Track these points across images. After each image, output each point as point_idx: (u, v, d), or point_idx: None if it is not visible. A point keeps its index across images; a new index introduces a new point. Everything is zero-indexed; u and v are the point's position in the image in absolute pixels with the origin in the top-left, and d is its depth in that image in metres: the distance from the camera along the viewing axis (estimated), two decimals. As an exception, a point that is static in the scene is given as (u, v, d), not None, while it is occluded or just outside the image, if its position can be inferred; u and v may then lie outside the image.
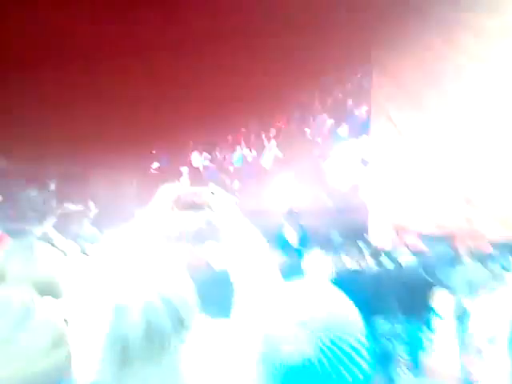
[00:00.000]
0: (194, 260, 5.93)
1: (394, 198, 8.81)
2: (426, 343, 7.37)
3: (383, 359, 6.46)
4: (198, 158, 17.99)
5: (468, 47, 8.32)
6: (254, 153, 16.82)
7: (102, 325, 1.16)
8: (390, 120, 8.93)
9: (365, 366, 0.94)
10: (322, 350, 0.90)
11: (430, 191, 8.53)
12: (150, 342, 1.12)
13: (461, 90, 8.26)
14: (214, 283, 4.08)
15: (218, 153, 17.92)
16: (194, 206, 1.66)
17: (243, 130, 17.06)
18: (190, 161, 17.59)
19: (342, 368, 0.90)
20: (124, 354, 1.12)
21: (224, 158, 17.76)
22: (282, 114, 15.78)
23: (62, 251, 4.48)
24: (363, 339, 0.95)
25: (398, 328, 7.03)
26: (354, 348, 0.92)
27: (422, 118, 8.58)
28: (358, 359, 0.92)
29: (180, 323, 1.18)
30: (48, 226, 11.03)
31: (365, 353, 0.95)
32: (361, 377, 0.92)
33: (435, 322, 7.31)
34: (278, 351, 0.91)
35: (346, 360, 0.91)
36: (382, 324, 6.19)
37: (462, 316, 6.08)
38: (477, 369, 5.31)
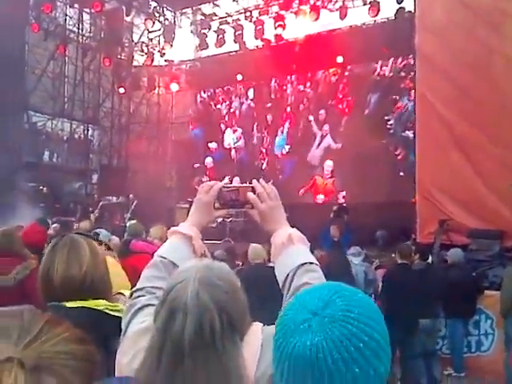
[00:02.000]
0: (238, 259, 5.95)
1: (442, 192, 8.59)
2: (470, 341, 7.22)
3: (425, 356, 6.37)
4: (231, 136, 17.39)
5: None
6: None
7: (155, 321, 1.17)
8: (436, 112, 8.69)
9: (380, 367, 0.88)
10: (334, 342, 0.87)
11: (479, 186, 8.27)
12: (201, 343, 1.11)
13: (509, 81, 7.97)
14: (260, 284, 4.09)
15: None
16: (236, 204, 1.61)
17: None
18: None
19: (352, 364, 0.86)
20: (175, 353, 1.11)
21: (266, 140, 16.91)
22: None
23: (106, 244, 4.55)
24: (382, 339, 0.90)
25: (443, 325, 6.91)
26: (369, 346, 0.88)
27: (471, 111, 8.31)
28: (372, 359, 0.88)
29: (232, 328, 1.16)
30: (91, 218, 11.33)
31: (383, 354, 0.90)
32: (374, 377, 0.88)
33: (481, 320, 7.15)
34: (290, 338, 0.90)
35: (358, 357, 0.87)
36: (425, 320, 6.08)
37: (509, 314, 5.89)
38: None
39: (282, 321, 0.95)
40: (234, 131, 17.11)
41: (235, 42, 14.70)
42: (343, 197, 14.49)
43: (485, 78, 8.17)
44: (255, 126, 16.73)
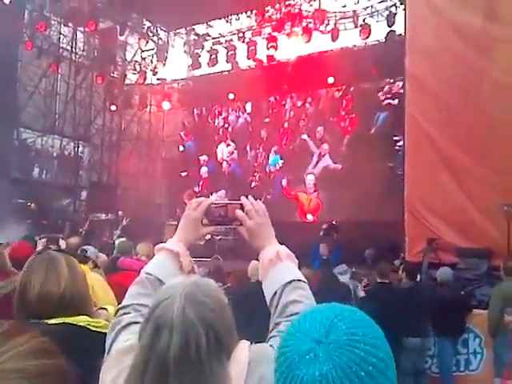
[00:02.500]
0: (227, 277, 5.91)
1: (430, 211, 8.66)
2: (459, 360, 7.20)
3: (415, 375, 6.34)
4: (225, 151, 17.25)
5: (504, 60, 8.18)
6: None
7: (140, 338, 1.16)
8: (424, 133, 8.80)
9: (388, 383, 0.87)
10: (344, 370, 0.84)
11: (467, 206, 8.35)
12: (187, 361, 1.09)
13: (498, 104, 8.10)
14: (246, 303, 4.08)
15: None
16: (225, 220, 1.61)
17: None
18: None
19: None
20: (160, 371, 1.10)
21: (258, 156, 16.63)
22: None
23: (93, 261, 4.53)
24: (388, 358, 0.89)
25: (432, 343, 6.89)
26: (377, 368, 0.87)
27: (460, 134, 8.43)
28: (382, 379, 0.86)
29: (219, 345, 1.15)
30: (79, 234, 11.25)
31: (390, 372, 0.88)
32: None
33: (469, 338, 7.14)
34: (296, 370, 0.86)
35: (369, 381, 0.84)
36: (415, 339, 6.06)
37: (497, 333, 5.90)
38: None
39: (284, 352, 0.91)
40: (228, 145, 17.00)
41: (228, 61, 14.84)
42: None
43: (473, 101, 8.29)
44: (250, 141, 16.56)
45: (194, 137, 17.65)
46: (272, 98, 15.99)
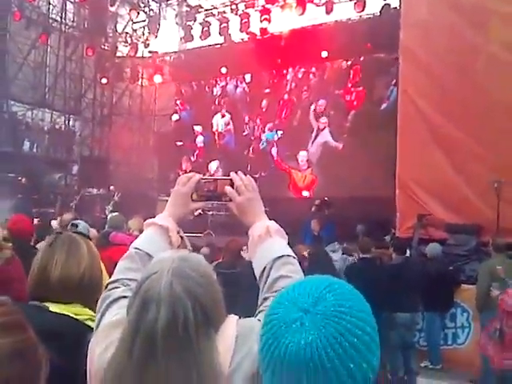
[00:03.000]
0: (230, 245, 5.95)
1: (421, 187, 8.69)
2: (447, 334, 7.34)
3: (403, 349, 6.46)
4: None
5: (499, 35, 8.11)
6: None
7: (128, 312, 1.17)
8: (417, 108, 8.77)
9: (372, 359, 0.88)
10: (329, 340, 0.85)
11: (458, 182, 8.38)
12: (175, 335, 1.10)
13: (493, 79, 8.06)
14: (237, 279, 4.11)
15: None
16: (214, 196, 1.60)
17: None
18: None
19: (347, 360, 0.84)
20: (147, 344, 1.11)
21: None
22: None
23: (85, 235, 4.51)
24: (373, 331, 0.90)
25: (419, 318, 7.00)
26: (362, 341, 0.87)
27: (453, 109, 8.40)
28: (366, 352, 0.87)
29: (206, 320, 1.15)
30: (70, 209, 11.22)
31: (374, 346, 0.89)
32: (368, 370, 0.87)
33: (457, 313, 7.26)
34: (282, 338, 0.87)
35: (353, 352, 0.85)
36: (404, 314, 6.15)
37: (484, 308, 6.00)
38: (499, 358, 5.23)
39: (271, 320, 0.92)
40: (223, 116, 16.38)
41: (220, 34, 14.62)
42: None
43: (468, 76, 8.25)
44: (248, 112, 15.78)
45: (190, 106, 17.09)
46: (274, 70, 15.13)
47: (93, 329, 1.56)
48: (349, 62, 13.94)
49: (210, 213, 12.99)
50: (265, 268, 1.44)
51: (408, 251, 7.00)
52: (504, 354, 5.01)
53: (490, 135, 7.95)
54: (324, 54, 13.59)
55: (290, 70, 15.06)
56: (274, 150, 15.24)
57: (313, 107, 14.58)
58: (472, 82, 8.17)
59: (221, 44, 15.15)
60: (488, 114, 7.93)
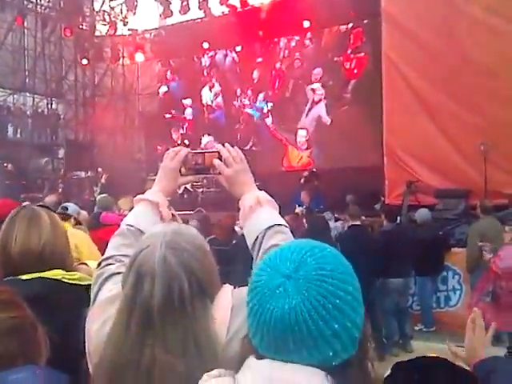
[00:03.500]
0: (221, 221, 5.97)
1: (409, 154, 8.72)
2: (439, 297, 7.47)
3: (397, 313, 6.58)
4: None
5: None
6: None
7: (123, 287, 1.18)
8: (401, 74, 8.74)
9: (356, 318, 0.90)
10: (312, 303, 0.87)
11: (445, 147, 8.43)
12: (171, 307, 1.12)
13: (475, 42, 8.04)
14: (231, 250, 4.14)
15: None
16: (203, 169, 1.60)
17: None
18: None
19: (331, 321, 0.87)
20: (144, 318, 1.12)
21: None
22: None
23: (75, 218, 4.50)
24: (355, 291, 0.92)
25: (412, 283, 7.12)
26: (345, 301, 0.89)
27: (436, 73, 8.38)
28: (350, 312, 0.89)
29: (201, 291, 1.17)
30: (58, 193, 11.14)
31: (357, 305, 0.91)
32: (353, 329, 0.90)
33: (449, 276, 7.38)
34: (267, 304, 0.90)
35: (336, 313, 0.88)
36: (397, 280, 6.24)
37: (475, 269, 6.10)
38: (492, 319, 5.33)
39: (255, 287, 0.94)
40: (212, 87, 15.68)
41: (200, 8, 14.35)
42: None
43: (451, 39, 8.23)
44: (238, 83, 14.98)
45: (179, 77, 16.38)
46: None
47: (66, 283, 1.57)
48: (350, 25, 12.65)
49: (200, 190, 12.97)
50: (257, 238, 1.45)
51: (398, 218, 7.07)
52: (501, 315, 5.10)
53: (475, 99, 7.97)
54: (306, 23, 13.35)
55: (283, 38, 14.09)
56: (268, 120, 14.47)
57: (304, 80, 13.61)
58: (455, 45, 8.15)
59: (201, 18, 14.89)
60: (471, 77, 7.93)
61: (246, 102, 14.99)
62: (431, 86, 8.46)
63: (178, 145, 15.32)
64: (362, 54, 12.40)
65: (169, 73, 16.62)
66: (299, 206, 8.56)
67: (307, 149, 13.70)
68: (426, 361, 1.07)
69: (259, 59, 14.65)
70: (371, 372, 0.95)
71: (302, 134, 13.79)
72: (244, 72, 14.95)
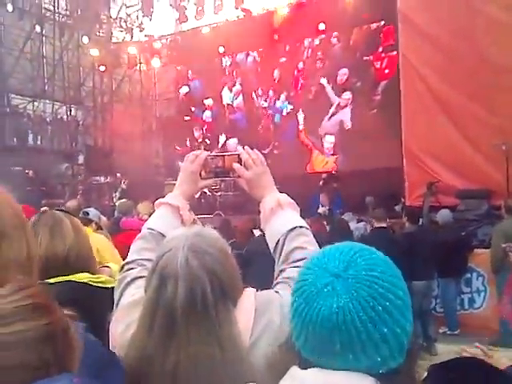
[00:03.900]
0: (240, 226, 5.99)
1: (429, 155, 8.64)
2: (463, 299, 7.36)
3: (420, 316, 6.49)
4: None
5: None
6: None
7: (146, 290, 1.18)
8: (419, 75, 8.67)
9: (406, 325, 0.87)
10: (361, 304, 0.85)
11: (465, 147, 8.33)
12: (194, 310, 1.11)
13: (494, 42, 7.94)
14: (252, 253, 4.12)
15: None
16: (223, 172, 1.59)
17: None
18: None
19: (381, 324, 0.84)
20: (167, 321, 1.12)
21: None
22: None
23: (96, 223, 4.52)
24: (405, 297, 0.89)
25: (435, 285, 7.02)
26: (395, 305, 0.86)
27: (454, 73, 8.30)
28: (399, 317, 0.86)
29: (224, 294, 1.15)
30: (79, 198, 11.26)
31: (406, 311, 0.88)
32: (402, 336, 0.86)
33: (473, 277, 7.27)
34: (314, 303, 0.87)
35: (386, 316, 0.85)
36: (420, 282, 6.16)
37: (500, 270, 6.00)
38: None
39: (302, 285, 0.92)
40: (232, 87, 15.35)
41: (215, 13, 14.43)
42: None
43: (468, 39, 8.13)
44: (259, 84, 14.56)
45: (201, 76, 15.94)
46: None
47: (92, 286, 1.57)
48: (382, 22, 11.76)
49: (219, 194, 13.01)
50: (279, 240, 1.43)
51: (420, 220, 6.99)
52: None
53: (495, 99, 7.87)
54: (321, 26, 13.31)
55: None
56: (293, 123, 13.93)
57: (326, 80, 12.96)
58: (472, 44, 8.06)
59: (216, 23, 14.97)
60: (490, 77, 7.83)
61: (264, 103, 14.57)
62: (450, 86, 8.36)
63: (199, 144, 15.37)
64: (395, 52, 10.96)
65: (190, 72, 16.37)
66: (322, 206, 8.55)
67: (333, 154, 13.22)
68: (462, 361, 1.04)
69: (283, 59, 14.08)
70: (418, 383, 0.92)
71: (329, 140, 13.26)
72: (265, 72, 14.45)
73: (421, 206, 7.98)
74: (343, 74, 12.73)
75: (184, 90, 16.58)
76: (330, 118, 13.04)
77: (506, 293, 5.41)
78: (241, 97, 15.20)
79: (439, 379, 1.01)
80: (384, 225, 6.17)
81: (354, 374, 0.85)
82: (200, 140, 15.68)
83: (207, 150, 1.65)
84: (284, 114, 14.20)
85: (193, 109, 16.17)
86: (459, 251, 6.63)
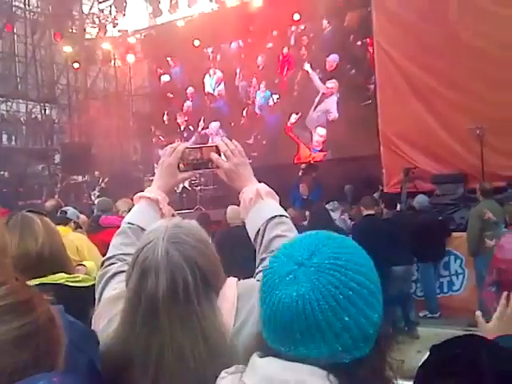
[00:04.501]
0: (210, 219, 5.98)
1: (404, 141, 8.71)
2: (442, 282, 7.48)
3: (401, 300, 6.59)
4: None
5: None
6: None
7: (127, 283, 1.18)
8: (393, 61, 8.72)
9: (372, 315, 0.85)
10: (322, 293, 0.83)
11: (440, 132, 8.43)
12: (176, 301, 1.11)
13: (465, 25, 8.02)
14: (233, 242, 4.13)
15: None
16: (201, 164, 1.59)
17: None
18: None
19: (341, 313, 0.83)
20: (149, 313, 1.12)
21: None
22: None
23: (75, 222, 4.50)
24: (372, 285, 0.87)
25: (414, 269, 7.12)
26: (359, 294, 0.85)
27: (427, 58, 8.36)
28: (364, 306, 0.85)
29: (206, 283, 1.16)
30: (57, 198, 11.13)
31: (374, 299, 0.87)
32: (367, 326, 0.84)
33: (451, 261, 7.39)
34: (276, 290, 0.86)
35: (348, 305, 0.83)
36: (400, 267, 6.24)
37: (477, 252, 6.10)
38: (495, 303, 5.33)
39: (267, 273, 0.91)
40: (213, 74, 14.66)
41: (189, 6, 14.30)
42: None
43: (441, 23, 8.20)
44: (241, 70, 13.83)
45: (181, 61, 15.17)
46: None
47: (70, 286, 1.56)
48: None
49: (198, 188, 12.96)
50: (259, 230, 1.45)
51: (398, 206, 7.08)
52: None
53: (468, 82, 7.96)
54: (296, 16, 13.23)
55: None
56: (273, 118, 13.16)
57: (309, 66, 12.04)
58: (445, 29, 8.13)
59: (191, 16, 14.83)
60: (463, 62, 7.92)
61: (251, 91, 13.77)
62: (423, 71, 8.44)
63: (181, 132, 15.04)
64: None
65: (169, 59, 15.60)
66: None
67: (321, 151, 12.40)
68: (463, 339, 1.05)
69: (269, 44, 13.24)
70: (388, 374, 0.90)
71: (320, 133, 12.34)
72: (249, 57, 13.65)
73: (398, 192, 8.08)
74: (331, 60, 11.94)
75: (165, 78, 15.90)
76: (315, 108, 12.33)
77: (488, 277, 5.50)
78: (222, 84, 14.51)
79: (442, 359, 1.01)
80: (372, 212, 6.20)
81: (305, 366, 0.84)
82: (183, 128, 15.29)
83: (188, 140, 1.64)
84: (270, 103, 13.47)
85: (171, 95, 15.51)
86: (437, 235, 6.74)
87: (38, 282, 1.68)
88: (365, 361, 0.85)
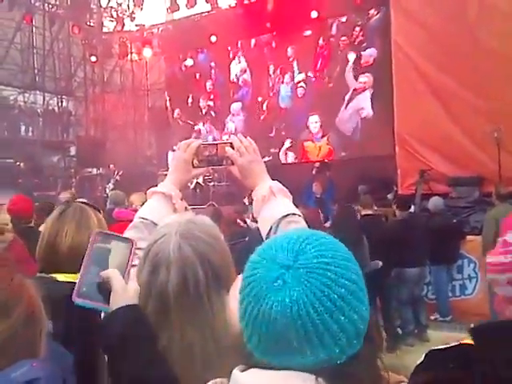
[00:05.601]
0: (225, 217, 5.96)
1: (421, 142, 8.65)
2: (455, 286, 7.41)
3: (412, 303, 6.54)
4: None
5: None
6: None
7: (138, 277, 1.18)
8: (411, 61, 8.66)
9: (362, 309, 0.82)
10: (316, 295, 0.79)
11: (456, 134, 8.35)
12: (186, 296, 1.11)
13: (485, 26, 7.93)
14: (246, 241, 4.12)
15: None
16: (215, 160, 1.58)
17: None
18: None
19: (337, 313, 0.79)
20: (160, 307, 1.13)
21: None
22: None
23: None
24: (359, 279, 0.84)
25: (427, 272, 7.06)
26: (350, 290, 0.81)
27: (446, 59, 8.29)
28: (355, 302, 0.81)
29: (217, 279, 1.16)
30: (71, 190, 11.23)
31: (361, 293, 0.83)
32: (358, 321, 0.81)
33: (464, 264, 7.32)
34: (265, 299, 0.81)
35: (342, 304, 0.80)
36: (412, 269, 6.20)
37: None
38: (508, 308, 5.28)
39: (250, 282, 0.85)
40: (239, 62, 14.19)
41: (207, 1, 14.31)
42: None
43: (460, 24, 8.13)
44: (271, 61, 13.40)
45: (208, 47, 14.86)
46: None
47: None
48: None
49: (212, 184, 12.99)
50: (271, 228, 1.43)
51: (412, 207, 7.02)
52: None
53: (487, 84, 7.87)
54: (314, 14, 13.17)
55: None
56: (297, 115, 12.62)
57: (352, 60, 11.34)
58: (464, 30, 8.05)
59: (208, 11, 14.83)
60: (481, 63, 7.82)
61: (276, 83, 13.37)
62: (442, 73, 8.36)
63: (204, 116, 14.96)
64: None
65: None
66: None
67: (323, 136, 12.19)
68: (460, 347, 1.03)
69: (309, 32, 12.70)
70: (380, 368, 0.87)
71: (313, 120, 12.20)
72: (279, 47, 13.14)
73: (413, 194, 8.01)
74: (367, 55, 11.38)
75: (189, 62, 15.68)
76: (346, 106, 11.69)
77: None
78: (248, 73, 14.02)
79: (437, 362, 0.99)
80: (370, 212, 6.16)
81: (294, 373, 0.80)
82: (205, 111, 15.17)
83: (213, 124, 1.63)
84: (298, 95, 12.92)
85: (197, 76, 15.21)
86: (451, 238, 6.67)
87: (71, 280, 1.69)
88: (358, 357, 0.82)
